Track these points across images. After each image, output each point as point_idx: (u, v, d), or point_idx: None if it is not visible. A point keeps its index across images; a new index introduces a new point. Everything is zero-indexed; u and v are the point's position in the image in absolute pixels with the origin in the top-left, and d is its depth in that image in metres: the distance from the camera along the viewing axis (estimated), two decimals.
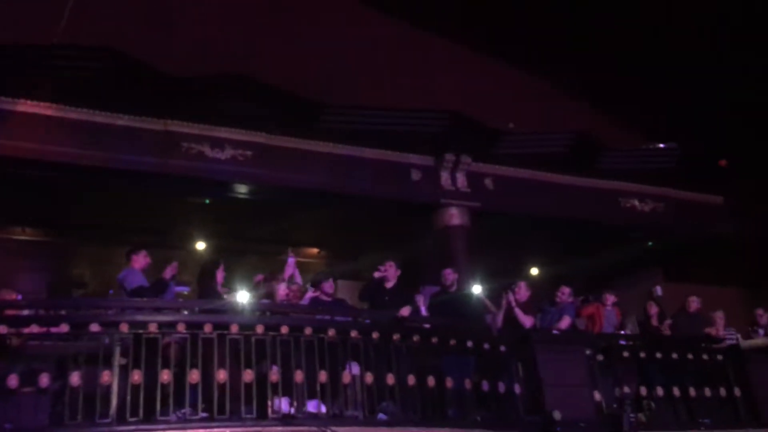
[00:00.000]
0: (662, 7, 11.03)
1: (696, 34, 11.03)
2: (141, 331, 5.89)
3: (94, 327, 5.82)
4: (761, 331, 9.42)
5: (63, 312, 6.06)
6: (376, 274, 8.13)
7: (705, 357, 8.21)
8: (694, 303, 9.58)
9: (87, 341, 5.82)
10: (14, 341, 5.68)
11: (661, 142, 12.00)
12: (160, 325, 6.00)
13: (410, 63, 11.53)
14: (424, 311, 7.91)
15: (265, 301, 7.14)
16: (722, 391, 8.00)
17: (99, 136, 8.95)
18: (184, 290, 9.00)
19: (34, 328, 5.71)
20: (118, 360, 5.76)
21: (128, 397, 5.59)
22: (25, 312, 6.09)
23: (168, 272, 7.55)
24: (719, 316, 9.30)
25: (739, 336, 9.24)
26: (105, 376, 5.62)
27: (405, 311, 7.11)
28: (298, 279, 8.21)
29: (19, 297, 6.96)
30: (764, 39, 10.82)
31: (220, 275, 7.33)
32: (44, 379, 5.45)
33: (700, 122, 11.83)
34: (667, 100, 11.91)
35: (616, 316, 9.44)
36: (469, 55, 12.18)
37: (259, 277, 8.22)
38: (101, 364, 5.67)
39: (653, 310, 9.45)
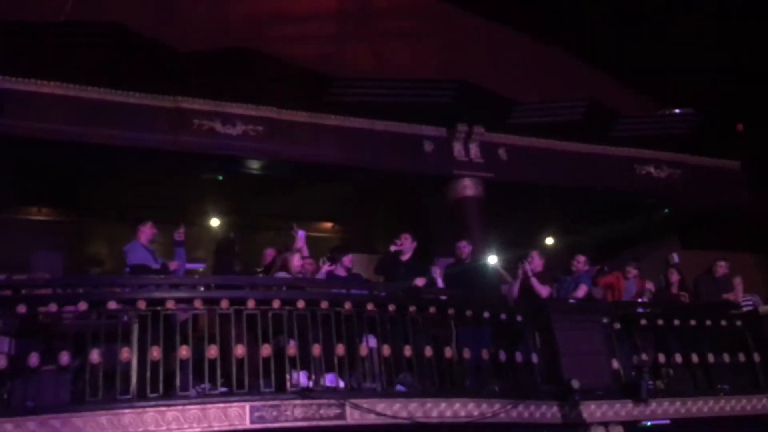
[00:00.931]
0: None
1: None
2: (158, 308, 5.92)
3: (112, 304, 5.86)
4: None
5: (81, 290, 6.09)
6: (392, 248, 8.13)
7: (723, 323, 8.16)
8: (721, 268, 9.50)
9: (106, 318, 5.86)
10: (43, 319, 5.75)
11: (677, 108, 11.83)
12: (177, 301, 6.02)
13: (420, 33, 11.38)
14: (440, 283, 7.91)
15: (281, 274, 7.15)
16: (741, 357, 7.97)
17: (111, 115, 8.94)
18: (200, 267, 9.05)
19: (53, 307, 5.76)
20: (137, 337, 5.80)
21: (148, 374, 5.63)
22: (44, 290, 6.14)
23: (177, 236, 7.61)
24: (738, 282, 9.23)
25: (755, 300, 9.18)
26: (124, 353, 5.66)
27: (420, 281, 7.09)
28: (305, 254, 8.21)
29: None
30: None
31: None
32: (64, 357, 5.51)
33: (716, 86, 11.66)
34: (682, 64, 11.72)
35: (636, 287, 9.39)
36: (479, 24, 12.01)
37: (269, 251, 8.22)
38: (120, 341, 5.72)
39: (674, 277, 9.39)
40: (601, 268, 9.91)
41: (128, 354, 5.68)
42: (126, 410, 5.46)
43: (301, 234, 8.22)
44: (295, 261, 7.36)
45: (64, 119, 8.67)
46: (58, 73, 8.69)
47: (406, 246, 8.12)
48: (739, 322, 8.24)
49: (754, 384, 7.91)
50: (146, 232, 7.51)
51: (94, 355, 5.55)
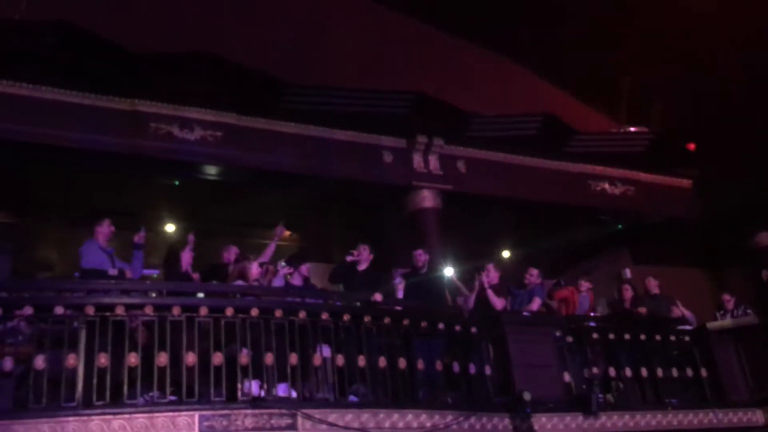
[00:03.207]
0: None
1: (664, 14, 11.09)
2: (107, 314, 5.79)
3: (59, 309, 5.72)
4: (728, 316, 9.55)
5: (27, 294, 5.92)
6: (349, 258, 8.11)
7: (672, 338, 8.32)
8: (651, 282, 9.70)
9: (52, 324, 5.71)
10: None
11: (632, 126, 12.08)
12: (128, 307, 5.91)
13: (382, 43, 11.45)
14: (401, 294, 7.90)
15: (239, 282, 7.07)
16: (689, 372, 8.12)
17: (65, 116, 8.75)
18: (154, 273, 8.90)
19: None
20: (84, 343, 5.66)
21: (95, 381, 5.50)
22: None
23: (137, 239, 7.42)
24: (677, 305, 9.46)
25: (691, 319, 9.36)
26: (70, 360, 5.52)
27: (378, 297, 7.07)
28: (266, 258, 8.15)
29: None
30: (734, 21, 10.94)
31: (185, 257, 7.22)
32: (7, 363, 5.35)
33: (670, 106, 11.94)
34: (637, 83, 11.98)
35: (589, 301, 9.53)
36: (438, 37, 12.14)
37: (234, 248, 8.12)
38: (66, 346, 5.58)
39: (628, 294, 9.54)
40: (558, 281, 10.03)
41: (74, 360, 5.54)
42: (70, 418, 5.32)
43: (280, 232, 8.20)
44: (254, 270, 7.29)
45: (15, 119, 8.44)
46: (11, 71, 8.48)
47: (363, 257, 8.12)
48: (687, 338, 8.41)
49: (701, 398, 8.07)
50: (103, 231, 7.29)
51: (39, 361, 5.41)
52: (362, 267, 8.13)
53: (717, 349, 8.30)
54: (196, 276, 7.71)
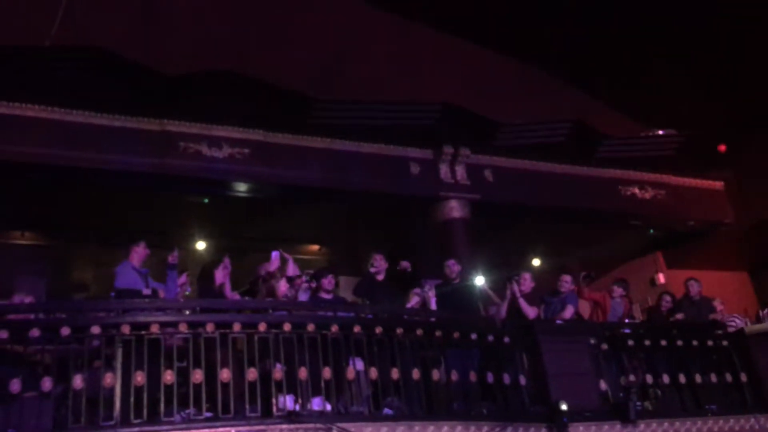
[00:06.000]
0: None
1: (690, 17, 10.97)
2: (143, 332, 5.85)
3: (96, 329, 5.78)
4: None
5: (64, 315, 6.00)
6: (372, 270, 8.13)
7: (710, 343, 8.18)
8: (693, 287, 9.52)
9: (89, 344, 5.78)
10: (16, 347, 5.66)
11: (660, 129, 11.95)
12: (162, 325, 5.95)
13: (407, 55, 11.48)
14: (433, 304, 7.87)
15: (269, 299, 7.10)
16: (728, 377, 7.97)
17: (96, 138, 8.90)
18: (186, 291, 8.96)
19: (35, 332, 5.67)
20: (120, 362, 5.72)
21: (132, 399, 5.56)
22: (26, 316, 6.06)
23: (170, 259, 7.49)
24: (718, 304, 9.28)
25: (738, 322, 9.19)
26: (108, 379, 5.58)
27: (414, 303, 7.03)
28: (290, 272, 8.17)
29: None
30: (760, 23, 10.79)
31: (219, 275, 7.27)
32: (47, 383, 5.42)
33: (699, 108, 11.79)
34: (665, 86, 11.86)
35: (624, 307, 9.39)
36: (462, 46, 12.14)
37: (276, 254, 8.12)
38: (103, 366, 5.64)
39: (665, 298, 9.37)
40: (588, 274, 9.86)
41: (112, 379, 5.60)
42: None
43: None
44: (282, 287, 7.30)
45: (48, 142, 8.61)
46: (43, 96, 8.65)
47: (381, 267, 8.14)
48: (725, 342, 8.25)
49: (742, 404, 7.91)
50: (139, 252, 7.35)
51: (77, 381, 5.47)
52: (381, 277, 8.14)
53: (757, 353, 8.12)
54: (235, 295, 7.73)
